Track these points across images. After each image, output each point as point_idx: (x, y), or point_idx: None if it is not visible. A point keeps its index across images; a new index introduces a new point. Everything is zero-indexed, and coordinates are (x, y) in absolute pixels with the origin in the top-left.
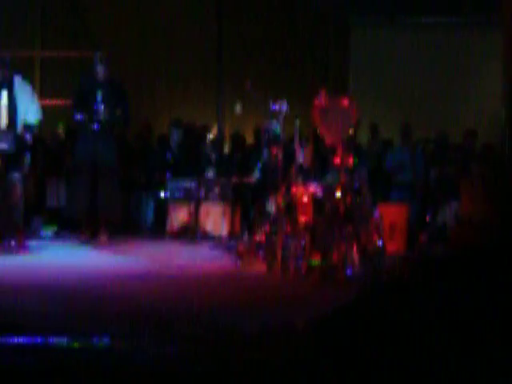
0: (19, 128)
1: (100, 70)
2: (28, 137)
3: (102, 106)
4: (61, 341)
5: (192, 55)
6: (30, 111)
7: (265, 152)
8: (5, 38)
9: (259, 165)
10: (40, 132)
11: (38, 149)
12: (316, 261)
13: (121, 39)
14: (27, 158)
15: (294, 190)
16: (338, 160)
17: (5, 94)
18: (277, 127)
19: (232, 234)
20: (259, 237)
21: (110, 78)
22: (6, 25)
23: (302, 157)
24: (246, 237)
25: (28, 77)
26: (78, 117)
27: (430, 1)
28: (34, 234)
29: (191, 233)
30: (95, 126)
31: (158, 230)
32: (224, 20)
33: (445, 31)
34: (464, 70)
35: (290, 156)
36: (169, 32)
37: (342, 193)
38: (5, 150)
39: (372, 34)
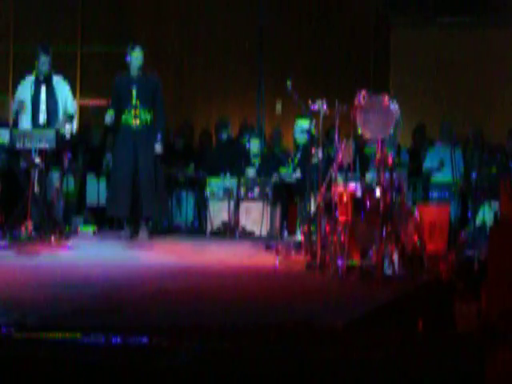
0: (60, 119)
1: (133, 62)
2: (68, 128)
3: (138, 103)
4: (98, 337)
5: (232, 54)
6: (68, 102)
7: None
8: (46, 35)
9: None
10: (80, 129)
11: (78, 146)
12: (355, 260)
13: (161, 35)
14: (68, 156)
15: (333, 189)
16: (377, 159)
17: (44, 89)
18: (312, 127)
19: (271, 233)
20: (299, 236)
21: (146, 72)
22: (47, 21)
23: (342, 155)
24: (285, 236)
25: (68, 75)
26: (107, 119)
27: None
28: (74, 231)
29: (231, 231)
30: (134, 123)
31: (198, 228)
32: (265, 19)
33: (486, 30)
34: (507, 69)
35: (330, 155)
36: (209, 29)
37: (381, 192)
38: (45, 148)
39: (412, 33)
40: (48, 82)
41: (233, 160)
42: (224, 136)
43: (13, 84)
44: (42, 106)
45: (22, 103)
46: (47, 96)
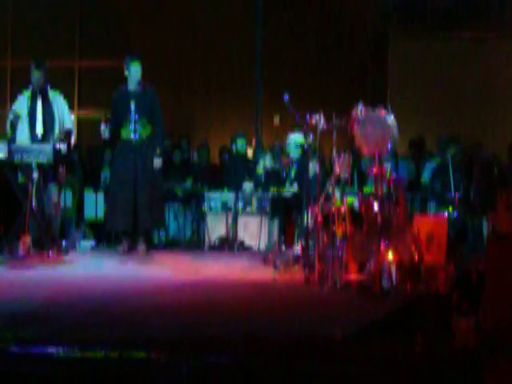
0: (57, 135)
1: (132, 74)
2: (64, 146)
3: (137, 117)
4: (96, 352)
5: (230, 66)
6: (65, 116)
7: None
8: (44, 48)
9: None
10: (77, 143)
11: (75, 160)
12: (353, 273)
13: (159, 49)
14: (63, 170)
15: (331, 201)
16: (375, 171)
17: (40, 103)
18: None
19: (269, 247)
20: (297, 249)
21: (144, 86)
22: (45, 35)
23: (339, 168)
24: (283, 249)
25: (66, 88)
26: (103, 135)
27: (469, 14)
28: (72, 245)
29: (229, 245)
30: (133, 137)
31: (196, 242)
32: (263, 32)
33: (485, 43)
34: (506, 83)
35: (327, 168)
36: (207, 42)
37: (379, 204)
38: (43, 162)
39: (410, 46)
40: (44, 96)
41: (236, 174)
42: (239, 149)
43: (11, 99)
44: (39, 119)
45: (16, 116)
46: (43, 109)
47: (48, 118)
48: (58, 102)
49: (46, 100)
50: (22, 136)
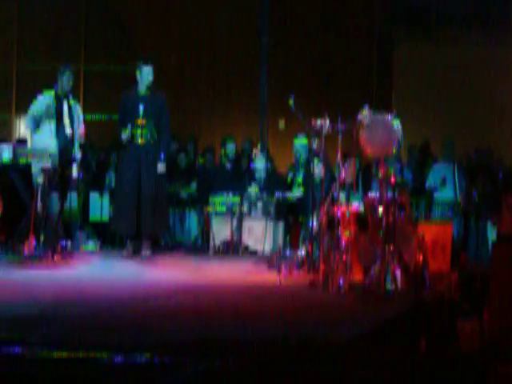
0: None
1: (143, 77)
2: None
3: (144, 121)
4: (101, 355)
5: (235, 71)
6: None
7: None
8: (49, 53)
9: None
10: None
11: (82, 163)
12: (358, 277)
13: (164, 53)
14: (72, 173)
15: (336, 206)
16: (380, 176)
17: (66, 105)
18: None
19: (274, 251)
20: (302, 252)
21: (153, 90)
22: (50, 39)
23: (344, 173)
24: (288, 253)
25: (71, 93)
26: (124, 137)
27: (475, 18)
28: (76, 247)
29: (234, 248)
30: (140, 141)
31: (201, 245)
32: (268, 36)
33: (491, 46)
34: (511, 88)
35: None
36: (212, 47)
37: (384, 209)
38: (48, 165)
39: (415, 50)
40: (68, 98)
41: (238, 178)
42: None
43: (16, 103)
44: (66, 120)
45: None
46: (69, 111)
47: (72, 120)
48: (76, 107)
49: (69, 103)
50: (44, 138)
